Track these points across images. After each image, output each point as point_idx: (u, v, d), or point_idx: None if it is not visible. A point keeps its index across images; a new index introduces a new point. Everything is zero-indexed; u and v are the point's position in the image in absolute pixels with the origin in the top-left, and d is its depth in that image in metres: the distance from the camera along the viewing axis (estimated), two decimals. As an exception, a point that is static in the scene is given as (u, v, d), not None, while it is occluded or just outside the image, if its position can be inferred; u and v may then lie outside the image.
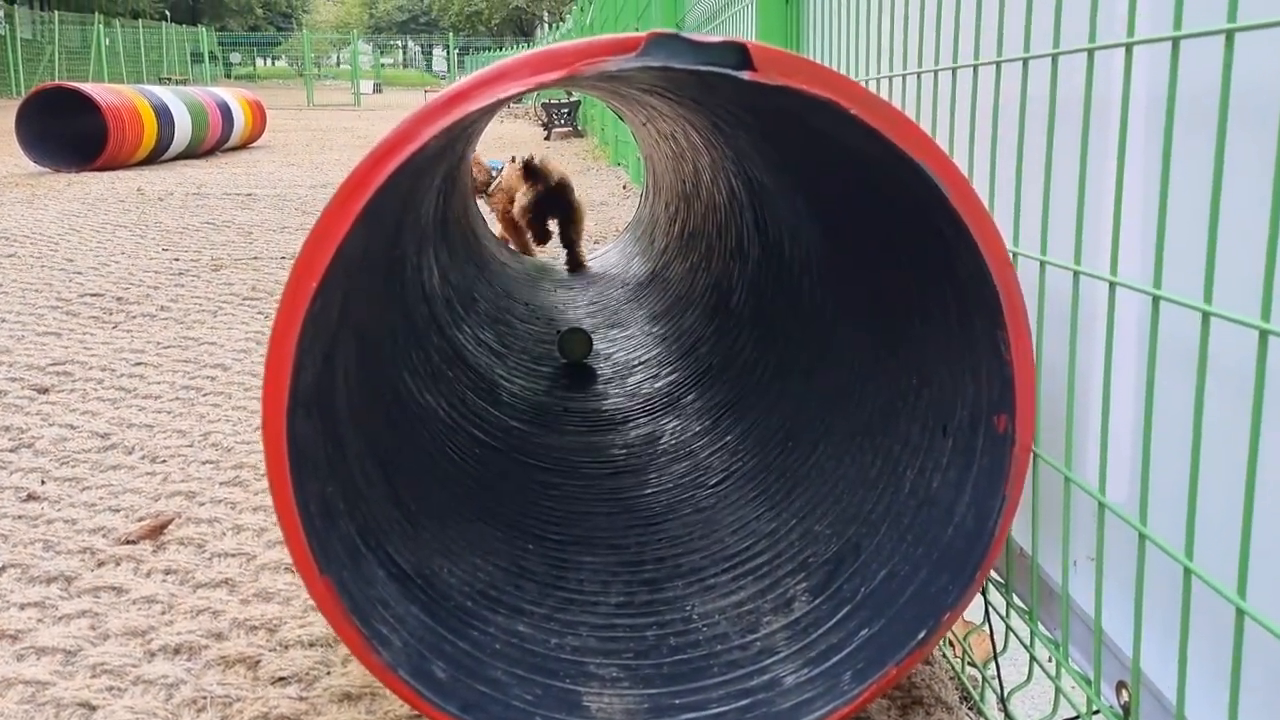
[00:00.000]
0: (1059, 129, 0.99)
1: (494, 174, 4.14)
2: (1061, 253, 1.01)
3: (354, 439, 1.29)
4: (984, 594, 1.23)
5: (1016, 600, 1.17)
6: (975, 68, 1.16)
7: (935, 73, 1.29)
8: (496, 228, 4.10)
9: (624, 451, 1.91)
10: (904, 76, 1.43)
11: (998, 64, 1.10)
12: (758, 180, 1.84)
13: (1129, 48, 0.84)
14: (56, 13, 30.17)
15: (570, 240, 3.75)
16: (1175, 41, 0.77)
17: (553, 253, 3.99)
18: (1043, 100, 1.01)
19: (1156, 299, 0.81)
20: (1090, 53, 0.91)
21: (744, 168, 1.90)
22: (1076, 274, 0.94)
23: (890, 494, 1.27)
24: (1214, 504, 0.83)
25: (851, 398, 1.46)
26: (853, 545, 1.29)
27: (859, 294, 1.46)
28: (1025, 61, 1.03)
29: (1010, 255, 0.99)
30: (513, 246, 4.03)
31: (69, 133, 8.00)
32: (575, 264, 3.72)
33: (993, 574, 1.23)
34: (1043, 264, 1.02)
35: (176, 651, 1.35)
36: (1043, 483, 1.08)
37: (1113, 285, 0.88)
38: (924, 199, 0.99)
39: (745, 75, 0.90)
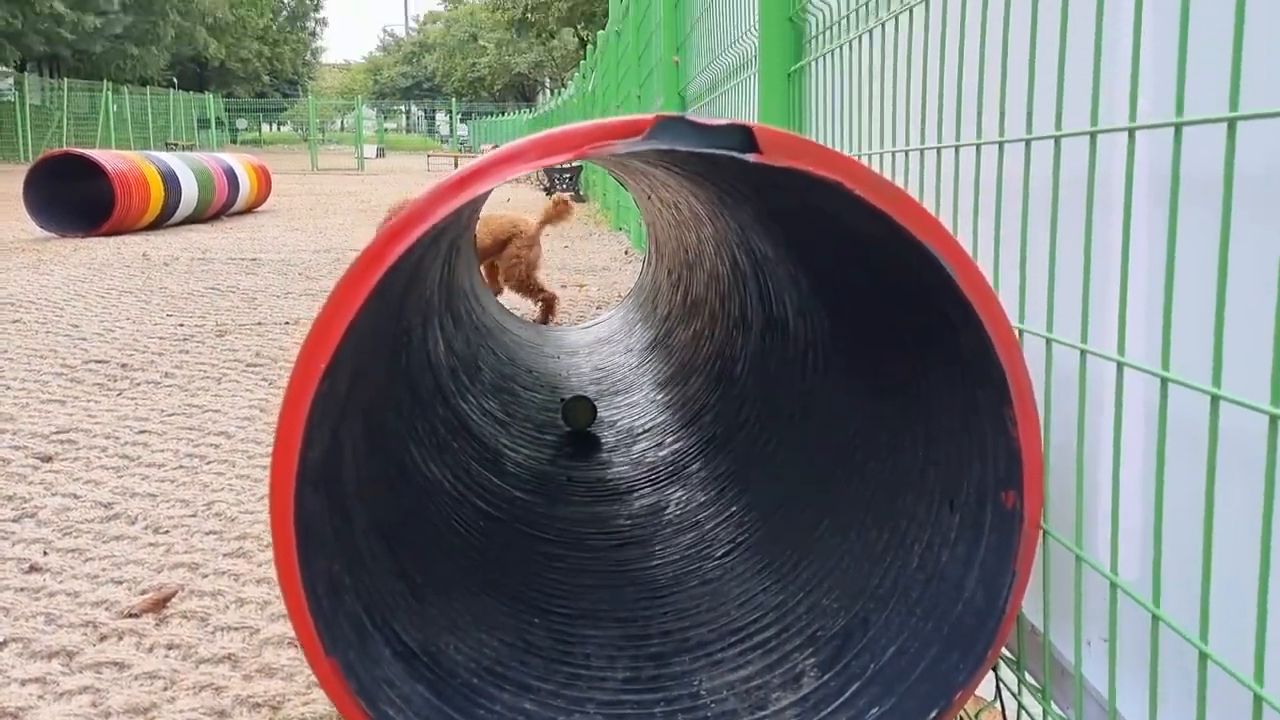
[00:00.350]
0: (1062, 205, 1.01)
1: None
2: (1067, 328, 1.02)
3: (360, 513, 1.29)
4: (995, 671, 1.22)
5: (1029, 678, 1.16)
6: (978, 146, 1.17)
7: (938, 150, 1.31)
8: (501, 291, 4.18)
9: (629, 522, 1.90)
10: (906, 152, 1.45)
11: (1000, 144, 1.11)
12: (761, 252, 1.86)
13: (1132, 132, 0.86)
14: (66, 80, 30.64)
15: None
16: (1178, 128, 0.79)
17: (571, 315, 4.00)
18: (1046, 180, 1.03)
19: (1165, 381, 0.82)
20: (1093, 136, 0.92)
21: (747, 240, 1.92)
22: (1084, 353, 0.95)
23: (898, 568, 1.26)
24: (1228, 584, 0.83)
25: (855, 471, 1.46)
26: (861, 620, 1.28)
27: (863, 369, 1.46)
28: (1028, 143, 1.04)
29: (1016, 332, 1.00)
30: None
31: (76, 198, 8.08)
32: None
33: (1004, 650, 1.22)
34: (1049, 341, 1.03)
35: (178, 730, 1.33)
36: (1053, 559, 1.08)
37: (1121, 365, 0.88)
38: (930, 279, 1.00)
39: (750, 158, 0.92)
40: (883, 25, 1.58)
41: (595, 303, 4.85)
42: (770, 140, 0.91)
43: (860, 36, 1.67)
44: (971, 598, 1.08)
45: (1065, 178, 1.00)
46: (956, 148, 1.24)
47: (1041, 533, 1.05)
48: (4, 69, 30.29)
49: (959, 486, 1.13)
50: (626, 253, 7.20)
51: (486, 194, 1.02)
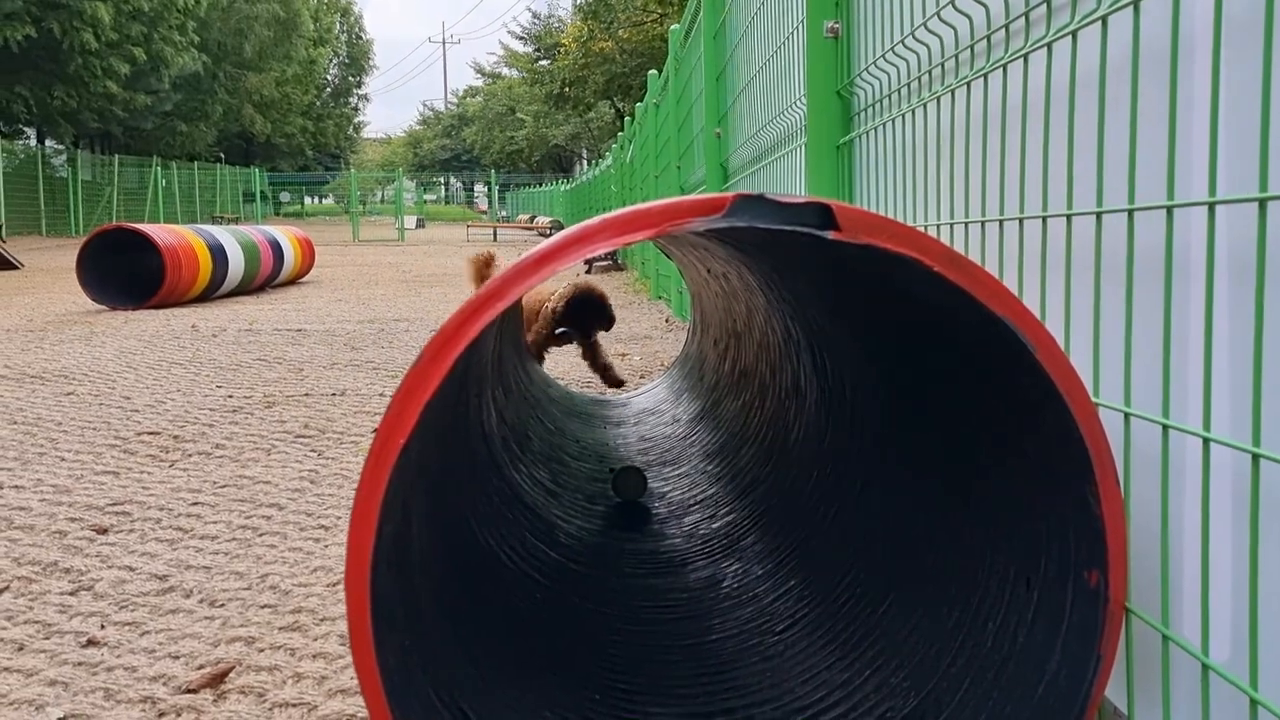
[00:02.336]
0: (1136, 278, 1.00)
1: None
2: (1142, 403, 1.01)
3: (425, 589, 1.29)
4: (1074, 754, 1.18)
5: (1112, 762, 1.12)
6: (1044, 219, 1.17)
7: (1000, 222, 1.31)
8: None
9: (685, 595, 1.88)
10: (966, 224, 1.45)
11: (1068, 217, 1.11)
12: (816, 323, 1.86)
13: (1212, 207, 0.85)
14: (117, 156, 31.53)
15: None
16: (1262, 203, 0.78)
17: (587, 382, 4.01)
18: (1118, 252, 1.02)
19: (1256, 457, 0.80)
20: (1169, 210, 0.92)
21: (801, 311, 1.92)
22: (1166, 428, 0.94)
23: (971, 647, 1.23)
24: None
25: (921, 546, 1.44)
26: (933, 700, 1.25)
27: (928, 442, 1.45)
28: (1099, 215, 1.04)
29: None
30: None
31: (127, 271, 8.26)
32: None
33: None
34: (1127, 416, 1.02)
35: (239, 809, 1.32)
36: (1136, 639, 1.05)
37: (1207, 441, 0.87)
38: (1005, 354, 1.00)
39: (829, 235, 0.92)
40: (938, 99, 1.59)
41: (638, 371, 4.86)
42: (849, 218, 0.92)
43: (916, 109, 1.68)
44: (1054, 680, 1.05)
45: (1138, 248, 0.99)
46: (1021, 220, 1.24)
47: (1125, 613, 1.02)
48: (58, 146, 31.24)
49: (1037, 564, 1.11)
50: (667, 321, 7.22)
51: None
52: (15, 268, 13.20)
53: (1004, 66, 1.31)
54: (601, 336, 4.00)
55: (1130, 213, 0.99)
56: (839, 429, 1.87)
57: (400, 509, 1.14)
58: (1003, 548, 1.18)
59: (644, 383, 4.24)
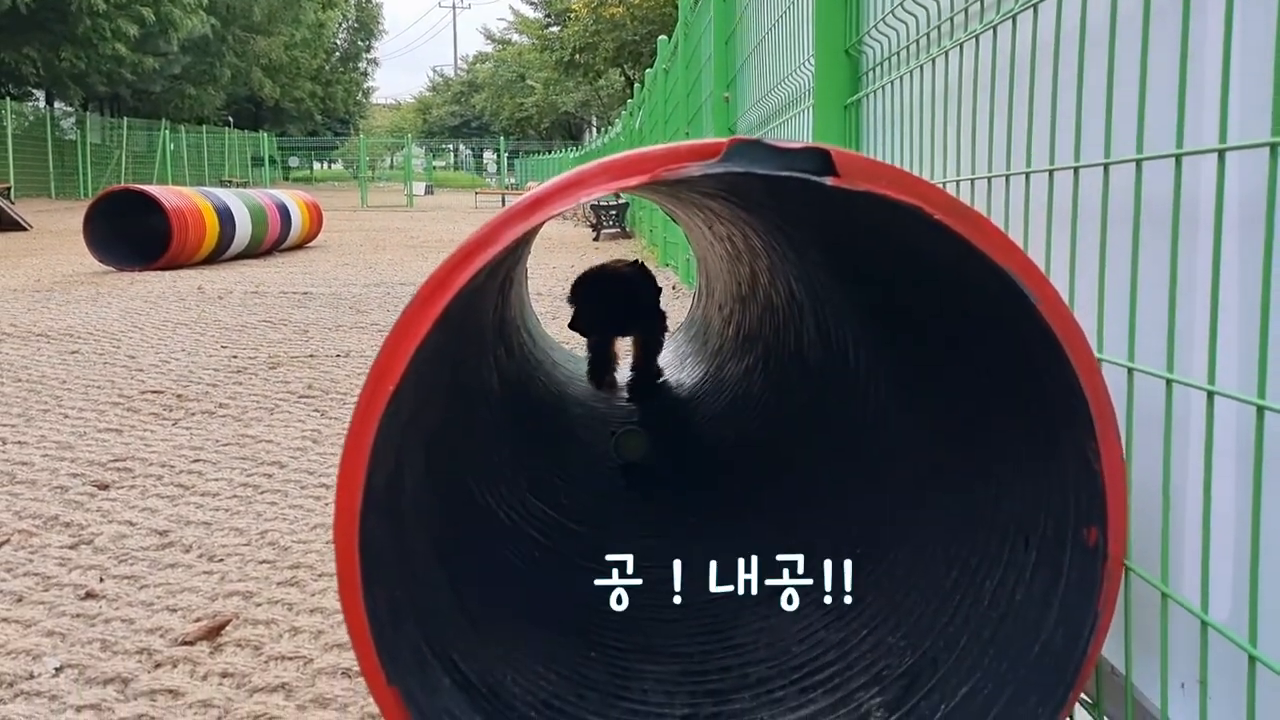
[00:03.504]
0: (1143, 229, 0.98)
1: None
2: (1147, 358, 0.99)
3: (419, 541, 1.28)
4: (1070, 716, 1.18)
5: (1107, 722, 1.11)
6: (1051, 172, 1.15)
7: (1007, 177, 1.29)
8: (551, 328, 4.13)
9: (683, 555, 1.87)
10: (972, 181, 1.43)
11: (1075, 169, 1.09)
12: (820, 283, 1.84)
13: (1222, 154, 0.83)
14: (126, 119, 31.44)
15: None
16: (1273, 147, 0.76)
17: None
18: (1126, 204, 1.00)
19: (1261, 409, 0.79)
20: (1178, 159, 0.89)
21: (806, 271, 1.90)
22: (1170, 382, 0.92)
23: (969, 606, 1.22)
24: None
25: (921, 506, 1.43)
26: (930, 659, 1.24)
27: (929, 401, 1.43)
28: (1106, 167, 1.02)
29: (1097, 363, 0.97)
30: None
31: (134, 233, 8.25)
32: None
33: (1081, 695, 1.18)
34: (1131, 371, 1.00)
35: (233, 759, 1.32)
36: (1135, 597, 1.04)
37: (1211, 395, 0.85)
38: (1008, 307, 0.98)
39: (828, 181, 0.90)
40: (946, 54, 1.56)
41: (644, 337, 4.84)
42: (848, 164, 0.90)
43: (924, 65, 1.65)
44: (1050, 638, 1.04)
45: (1145, 199, 0.97)
46: (1027, 174, 1.22)
47: (1125, 571, 1.01)
48: (67, 108, 31.16)
49: (1035, 522, 1.09)
50: (674, 288, 7.19)
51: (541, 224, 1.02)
52: (23, 229, 13.20)
53: (1014, 18, 1.28)
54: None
55: (1139, 162, 0.96)
56: (842, 392, 1.85)
57: (393, 460, 1.12)
58: (1002, 506, 1.17)
59: (649, 348, 4.21)
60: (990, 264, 0.92)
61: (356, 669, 1.54)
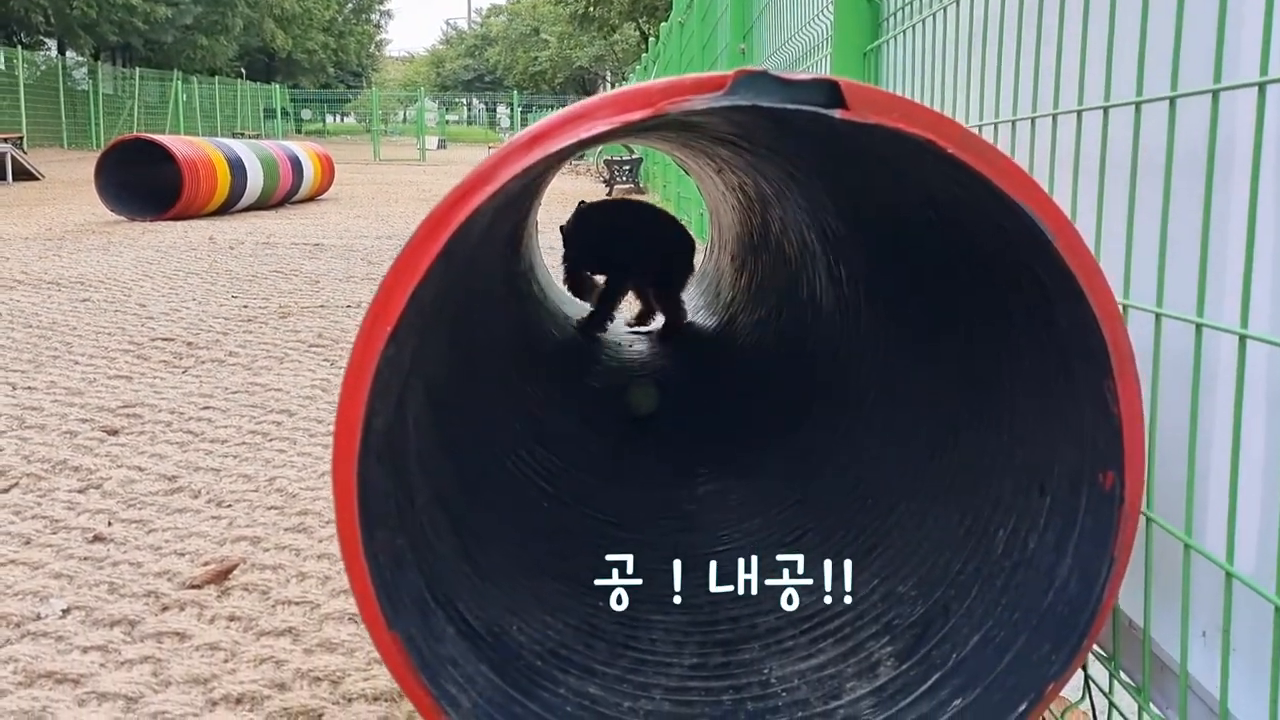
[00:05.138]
0: (1175, 171, 0.94)
1: None
2: (1175, 304, 0.95)
3: (423, 488, 1.26)
4: (1084, 667, 1.16)
5: (1123, 675, 1.09)
6: (1079, 113, 1.11)
7: (1032, 120, 1.24)
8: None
9: (694, 507, 1.85)
10: (995, 125, 1.38)
11: (1105, 109, 1.05)
12: (832, 229, 1.80)
13: (1262, 87, 0.79)
14: (138, 69, 31.27)
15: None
16: (1317, 77, 0.72)
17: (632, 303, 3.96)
18: (1152, 147, 0.96)
19: (1295, 353, 0.75)
20: (1215, 94, 0.85)
21: (818, 217, 1.86)
22: (1199, 326, 0.88)
23: (981, 554, 1.20)
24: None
25: (935, 453, 1.40)
26: (941, 608, 1.22)
27: (943, 346, 1.40)
28: (1138, 106, 0.98)
29: (1120, 308, 0.94)
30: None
31: (145, 183, 8.21)
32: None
33: (1094, 646, 1.16)
34: (1159, 316, 0.96)
35: (238, 701, 1.32)
36: (1156, 548, 1.01)
37: (1243, 339, 0.82)
38: (1023, 246, 0.94)
39: (837, 114, 0.86)
40: (970, -7, 1.51)
41: (656, 291, 4.81)
42: (858, 95, 0.86)
43: (948, 6, 1.60)
44: (1064, 586, 1.01)
45: (1178, 139, 0.93)
46: (1054, 115, 1.18)
47: (1144, 520, 0.98)
48: (79, 58, 31.00)
49: (1050, 468, 1.06)
50: (687, 242, 7.14)
51: (549, 175, 0.99)
52: (36, 179, 13.18)
53: (1041, -49, 1.23)
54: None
55: (1172, 100, 0.92)
56: (854, 339, 1.82)
57: (395, 404, 1.10)
58: (1017, 453, 1.14)
59: (661, 301, 4.18)
60: (1007, 200, 0.88)
61: (362, 615, 1.54)
